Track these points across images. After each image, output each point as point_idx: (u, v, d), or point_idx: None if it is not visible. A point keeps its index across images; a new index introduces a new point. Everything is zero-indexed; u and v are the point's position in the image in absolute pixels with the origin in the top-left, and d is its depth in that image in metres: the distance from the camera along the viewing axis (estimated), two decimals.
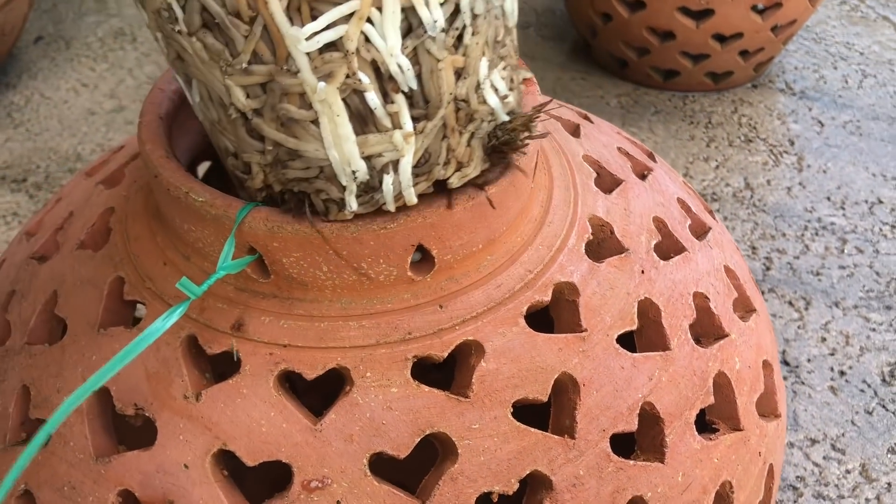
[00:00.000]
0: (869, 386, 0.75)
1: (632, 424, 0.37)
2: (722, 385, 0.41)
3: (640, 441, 0.39)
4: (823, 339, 0.80)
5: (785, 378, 0.76)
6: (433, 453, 0.36)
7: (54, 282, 0.42)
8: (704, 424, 0.40)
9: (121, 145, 0.52)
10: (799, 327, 0.81)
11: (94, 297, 0.39)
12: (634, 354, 0.38)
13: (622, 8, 1.03)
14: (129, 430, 0.40)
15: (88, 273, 0.40)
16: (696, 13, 1.02)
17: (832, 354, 0.78)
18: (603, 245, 0.42)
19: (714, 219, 0.51)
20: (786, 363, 0.77)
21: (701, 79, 1.11)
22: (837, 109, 1.11)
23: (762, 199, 0.97)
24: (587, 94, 1.13)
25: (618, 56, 1.11)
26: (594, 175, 0.45)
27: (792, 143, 1.05)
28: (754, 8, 1.01)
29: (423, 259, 0.37)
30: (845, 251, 0.89)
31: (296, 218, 0.34)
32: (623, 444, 0.38)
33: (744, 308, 0.46)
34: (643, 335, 0.41)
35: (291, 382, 0.38)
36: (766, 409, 0.44)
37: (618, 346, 0.38)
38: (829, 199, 0.97)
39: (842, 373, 0.76)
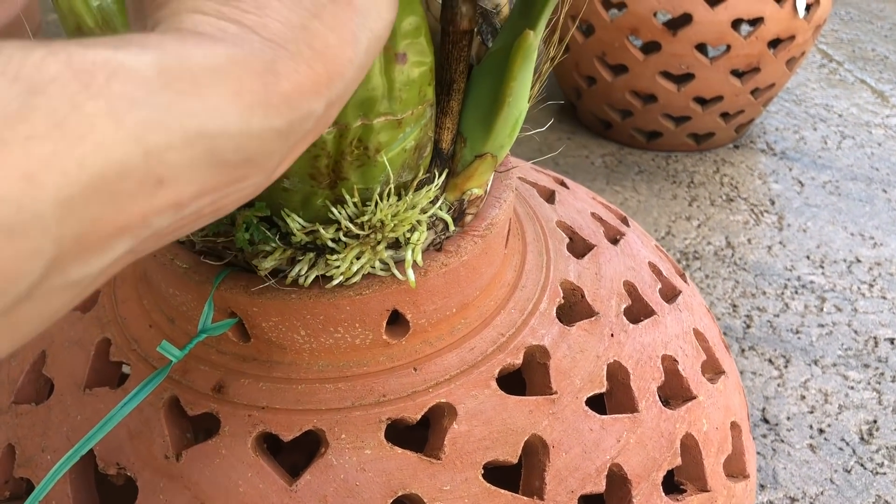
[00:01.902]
0: (847, 444, 0.76)
1: (600, 486, 0.38)
2: (689, 446, 0.42)
3: (608, 502, 0.40)
4: (803, 397, 0.81)
5: (764, 436, 0.77)
6: None
7: (43, 342, 0.43)
8: (673, 485, 0.42)
9: None
10: (779, 385, 0.82)
11: (82, 358, 0.41)
12: (603, 416, 0.40)
13: (606, 72, 1.07)
14: (111, 488, 0.41)
15: (76, 334, 0.42)
16: (676, 77, 1.06)
17: (811, 412, 0.79)
18: (574, 309, 0.44)
19: (686, 282, 0.52)
20: (765, 421, 0.78)
21: (683, 139, 1.14)
22: (817, 170, 1.14)
23: (743, 258, 0.99)
24: (573, 154, 1.16)
25: (602, 117, 1.14)
26: (567, 240, 0.47)
27: (772, 203, 1.08)
28: (733, 72, 1.04)
29: (399, 323, 0.38)
30: (824, 310, 0.91)
31: (274, 285, 0.36)
32: None
33: (712, 370, 0.47)
34: (612, 397, 0.42)
35: (273, 439, 0.39)
36: (735, 469, 0.45)
37: (587, 408, 0.39)
38: (808, 257, 0.99)
39: (821, 430, 0.77)
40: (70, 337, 0.42)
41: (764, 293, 0.93)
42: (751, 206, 1.07)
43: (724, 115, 1.10)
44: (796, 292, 0.93)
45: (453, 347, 0.39)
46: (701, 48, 1.02)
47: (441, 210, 0.35)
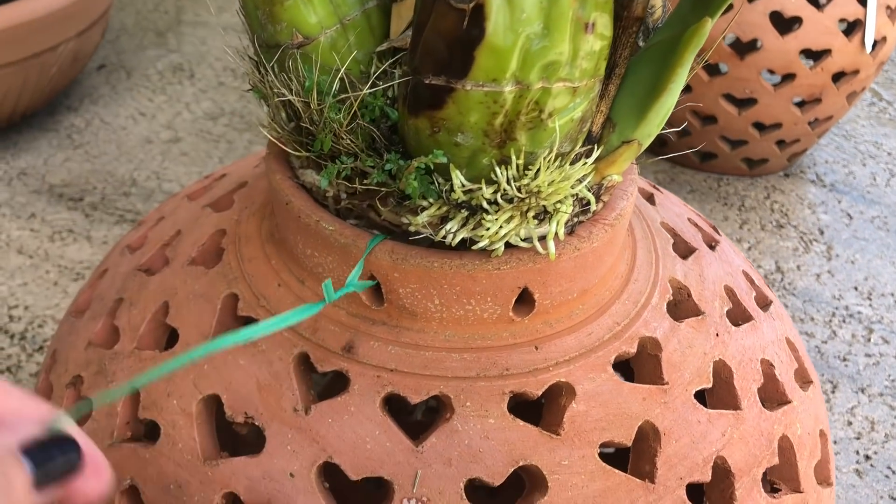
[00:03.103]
0: (893, 472, 0.77)
1: (706, 475, 0.39)
2: (785, 448, 0.43)
3: (708, 493, 0.41)
4: (849, 423, 0.82)
5: None
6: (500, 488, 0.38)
7: (165, 293, 0.44)
8: (765, 484, 0.43)
9: (221, 173, 0.55)
10: (826, 409, 0.83)
11: (208, 311, 0.42)
12: (710, 410, 0.41)
13: None
14: (231, 436, 0.42)
15: (202, 288, 0.43)
16: (739, 101, 1.07)
17: (858, 438, 0.80)
18: (679, 307, 0.45)
19: (773, 293, 0.54)
20: None
21: (737, 163, 1.15)
22: (866, 204, 1.15)
23: (792, 283, 1.00)
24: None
25: (659, 134, 1.15)
26: (671, 241, 0.48)
27: (822, 233, 1.09)
28: (795, 101, 1.06)
29: (523, 302, 0.40)
30: (871, 340, 0.92)
31: (418, 252, 0.37)
32: (690, 495, 0.40)
33: (802, 379, 0.48)
34: (714, 394, 0.43)
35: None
36: (822, 476, 0.46)
37: (695, 401, 0.41)
38: (856, 288, 1.00)
39: (867, 457, 0.78)
40: (194, 290, 0.43)
41: (812, 319, 0.94)
42: (800, 234, 1.08)
43: (780, 143, 1.11)
44: (844, 321, 0.94)
45: (572, 331, 0.40)
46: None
47: (585, 190, 0.37)
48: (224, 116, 1.23)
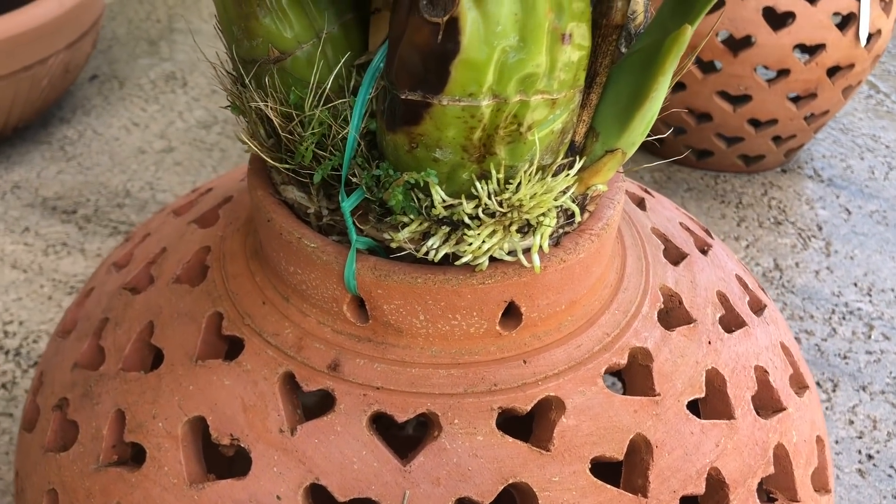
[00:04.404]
0: None
1: (700, 488, 0.39)
2: (780, 456, 0.43)
3: None
4: (851, 422, 0.81)
5: None
6: None
7: (150, 313, 0.44)
8: (761, 493, 0.42)
9: (208, 187, 0.54)
10: (827, 408, 0.82)
11: (192, 330, 0.41)
12: (703, 421, 0.40)
13: None
14: (215, 461, 0.41)
15: (186, 307, 0.43)
16: (734, 98, 1.06)
17: (860, 437, 0.79)
18: (671, 314, 0.45)
19: (768, 297, 0.53)
20: None
21: (733, 160, 1.14)
22: (864, 198, 1.15)
23: (791, 281, 0.99)
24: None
25: (654, 133, 1.14)
26: (662, 247, 0.47)
27: (820, 229, 1.08)
28: (790, 97, 1.05)
29: (510, 315, 0.39)
30: (872, 337, 0.91)
31: (401, 268, 0.36)
32: None
33: (798, 384, 0.48)
34: (708, 403, 0.42)
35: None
36: (819, 483, 0.45)
37: (688, 411, 0.40)
38: (855, 284, 0.99)
39: (869, 456, 0.77)
40: (179, 309, 0.43)
41: (812, 317, 0.94)
42: (798, 231, 1.07)
43: (776, 139, 1.11)
44: (844, 318, 0.94)
45: (560, 343, 0.40)
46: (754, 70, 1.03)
47: (569, 202, 0.36)
48: (217, 125, 1.22)
